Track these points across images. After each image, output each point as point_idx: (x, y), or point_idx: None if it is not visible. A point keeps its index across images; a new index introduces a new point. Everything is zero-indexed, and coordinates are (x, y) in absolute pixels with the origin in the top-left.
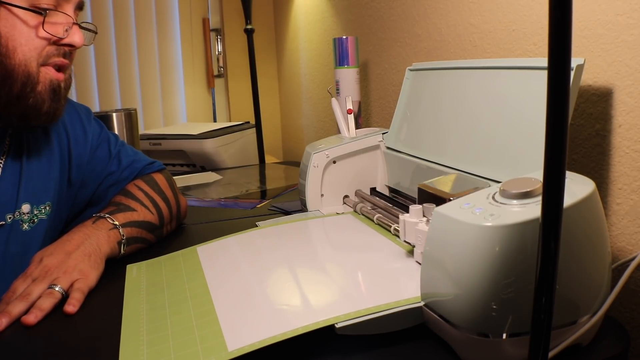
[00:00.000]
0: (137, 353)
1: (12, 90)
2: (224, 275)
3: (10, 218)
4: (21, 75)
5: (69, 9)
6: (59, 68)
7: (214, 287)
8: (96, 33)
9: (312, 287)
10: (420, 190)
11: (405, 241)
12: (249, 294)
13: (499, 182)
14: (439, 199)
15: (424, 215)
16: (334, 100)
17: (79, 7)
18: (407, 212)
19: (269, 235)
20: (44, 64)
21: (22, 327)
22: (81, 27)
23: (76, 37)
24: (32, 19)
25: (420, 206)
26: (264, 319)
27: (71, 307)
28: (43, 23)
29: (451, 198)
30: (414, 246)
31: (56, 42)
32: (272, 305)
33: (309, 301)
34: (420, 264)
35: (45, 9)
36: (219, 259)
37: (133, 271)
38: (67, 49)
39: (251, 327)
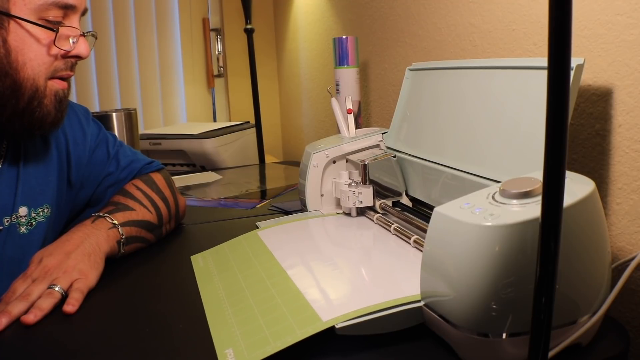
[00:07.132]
0: (230, 335)
1: (19, 104)
2: (294, 255)
3: (7, 221)
4: (29, 90)
5: (75, 20)
6: (64, 78)
7: (288, 266)
8: (96, 38)
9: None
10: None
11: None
12: (324, 272)
13: (499, 182)
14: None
15: (349, 178)
16: (333, 100)
17: (83, 14)
18: (407, 212)
19: (325, 223)
20: (51, 78)
21: (22, 327)
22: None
23: (82, 48)
24: (42, 33)
25: (347, 172)
26: (348, 293)
27: (70, 307)
28: (55, 40)
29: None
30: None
31: (64, 56)
32: (351, 281)
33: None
34: (347, 214)
35: (55, 23)
36: (284, 241)
37: (199, 261)
38: (73, 60)
39: (338, 300)
